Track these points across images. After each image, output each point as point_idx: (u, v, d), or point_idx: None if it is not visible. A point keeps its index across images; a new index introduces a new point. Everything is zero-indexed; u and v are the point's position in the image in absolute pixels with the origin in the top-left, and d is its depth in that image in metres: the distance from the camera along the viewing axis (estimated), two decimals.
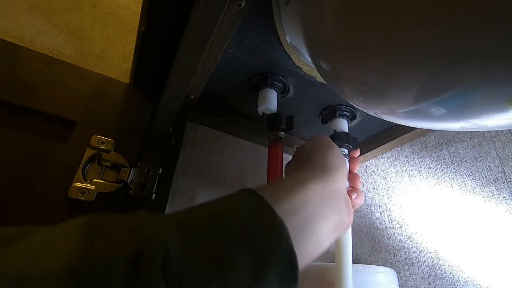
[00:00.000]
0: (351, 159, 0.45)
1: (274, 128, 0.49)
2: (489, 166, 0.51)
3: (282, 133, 0.49)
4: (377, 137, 0.70)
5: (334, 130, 0.55)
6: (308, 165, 0.30)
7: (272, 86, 0.54)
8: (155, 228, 0.16)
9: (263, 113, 0.51)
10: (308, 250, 0.23)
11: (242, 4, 0.34)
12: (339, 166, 0.31)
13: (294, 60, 0.49)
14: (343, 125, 0.58)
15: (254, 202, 0.21)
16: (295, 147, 0.80)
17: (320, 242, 0.24)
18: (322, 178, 0.27)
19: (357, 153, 0.45)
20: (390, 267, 0.59)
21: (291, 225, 0.20)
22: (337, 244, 0.45)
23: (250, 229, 0.19)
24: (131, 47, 0.65)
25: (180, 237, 0.16)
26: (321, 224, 0.24)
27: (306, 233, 0.23)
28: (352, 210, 0.31)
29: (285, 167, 0.37)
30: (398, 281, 0.58)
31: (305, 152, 0.34)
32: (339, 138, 0.53)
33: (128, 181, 0.48)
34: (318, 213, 0.24)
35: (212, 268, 0.16)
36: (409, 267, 0.59)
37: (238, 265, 0.17)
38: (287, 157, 0.62)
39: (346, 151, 0.51)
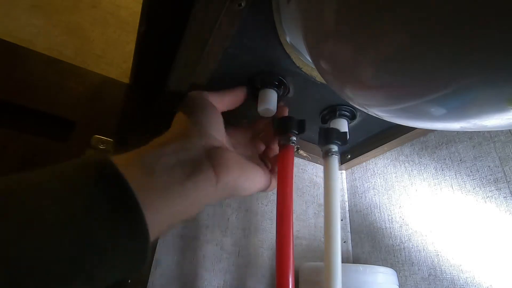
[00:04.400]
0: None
1: (286, 132, 0.48)
2: (489, 166, 0.51)
3: (294, 138, 0.48)
4: (377, 137, 0.70)
5: (320, 128, 0.54)
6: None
7: (272, 86, 0.54)
8: None
9: (273, 117, 0.51)
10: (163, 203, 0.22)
11: (242, 4, 0.34)
12: (193, 112, 0.33)
13: (294, 60, 0.49)
14: (343, 125, 0.58)
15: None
16: (295, 147, 0.80)
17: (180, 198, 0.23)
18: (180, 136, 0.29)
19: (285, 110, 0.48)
20: (390, 267, 0.59)
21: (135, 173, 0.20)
22: (326, 242, 0.44)
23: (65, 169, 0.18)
24: (131, 47, 0.65)
25: None
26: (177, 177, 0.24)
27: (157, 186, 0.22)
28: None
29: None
30: (398, 281, 0.58)
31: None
32: (328, 135, 0.51)
33: None
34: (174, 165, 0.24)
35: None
36: (409, 267, 0.59)
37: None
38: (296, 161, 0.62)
39: (336, 148, 0.50)
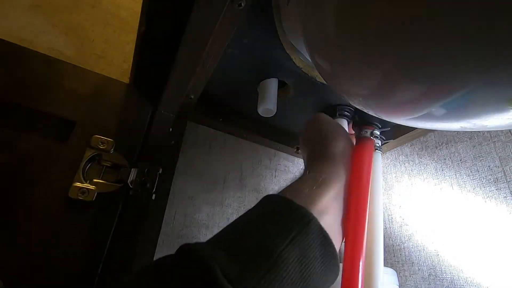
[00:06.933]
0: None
1: (367, 124, 0.39)
2: (489, 166, 0.51)
3: (377, 131, 0.39)
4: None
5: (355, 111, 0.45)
6: (321, 161, 0.32)
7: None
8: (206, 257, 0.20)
9: (355, 108, 0.43)
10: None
11: (242, 4, 0.34)
12: (344, 153, 0.33)
13: (294, 60, 0.49)
14: (343, 125, 0.58)
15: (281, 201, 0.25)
16: (295, 147, 0.80)
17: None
18: (337, 180, 0.30)
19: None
20: (390, 267, 0.59)
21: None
22: (368, 243, 0.37)
23: (281, 218, 0.23)
24: (131, 47, 0.65)
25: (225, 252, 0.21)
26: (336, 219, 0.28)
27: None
28: None
29: (300, 145, 0.40)
30: (398, 281, 0.58)
31: (313, 137, 0.36)
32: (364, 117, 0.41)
33: (128, 181, 0.48)
34: (337, 215, 0.28)
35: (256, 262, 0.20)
36: (409, 267, 0.59)
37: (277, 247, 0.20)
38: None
39: (378, 133, 0.41)
